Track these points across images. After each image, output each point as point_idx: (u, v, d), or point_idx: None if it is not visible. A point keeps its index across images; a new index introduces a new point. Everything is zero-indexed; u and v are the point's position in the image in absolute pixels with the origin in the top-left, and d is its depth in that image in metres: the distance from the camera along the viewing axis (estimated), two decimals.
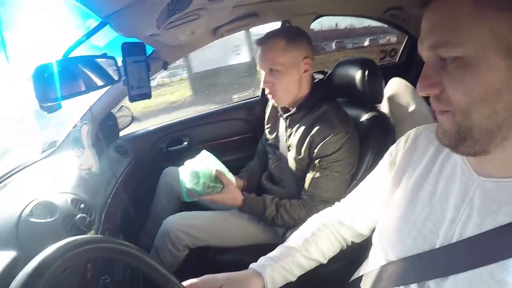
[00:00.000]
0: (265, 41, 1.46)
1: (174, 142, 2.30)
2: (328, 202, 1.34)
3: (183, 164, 1.51)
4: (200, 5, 0.93)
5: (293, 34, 1.46)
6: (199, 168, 1.44)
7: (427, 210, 0.71)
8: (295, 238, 1.01)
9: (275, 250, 1.00)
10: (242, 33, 3.79)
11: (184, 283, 0.83)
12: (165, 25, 0.99)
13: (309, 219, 1.08)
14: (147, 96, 1.28)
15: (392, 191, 0.83)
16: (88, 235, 0.71)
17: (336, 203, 1.09)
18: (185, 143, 2.30)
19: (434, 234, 0.68)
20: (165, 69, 1.78)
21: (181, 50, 1.70)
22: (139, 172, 2.04)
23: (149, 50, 1.55)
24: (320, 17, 2.24)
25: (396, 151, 0.88)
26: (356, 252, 1.04)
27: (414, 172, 0.79)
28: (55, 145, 1.74)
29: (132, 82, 1.19)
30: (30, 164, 1.50)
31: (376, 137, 1.47)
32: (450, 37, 0.55)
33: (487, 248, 0.59)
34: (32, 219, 0.98)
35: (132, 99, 1.23)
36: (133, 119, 2.16)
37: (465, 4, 0.53)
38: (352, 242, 1.04)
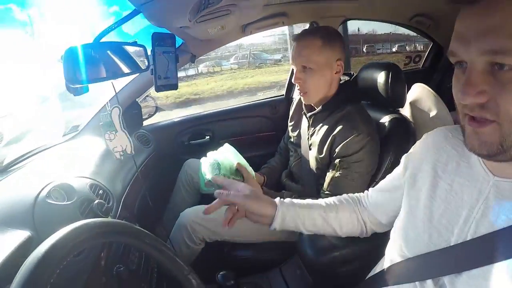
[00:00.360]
0: (302, 38, 1.48)
1: (196, 136, 2.32)
2: None
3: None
4: (232, 1, 0.94)
5: (330, 35, 1.47)
6: (220, 159, 1.44)
7: (443, 208, 0.72)
8: (322, 201, 1.05)
9: (299, 199, 1.04)
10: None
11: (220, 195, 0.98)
12: (196, 18, 0.99)
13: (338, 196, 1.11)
14: (174, 87, 1.28)
15: (410, 189, 0.84)
16: (102, 219, 0.70)
17: (361, 193, 1.10)
18: (207, 137, 2.32)
19: (449, 231, 0.69)
20: (193, 62, 1.79)
21: (210, 44, 1.71)
22: (159, 163, 2.06)
23: (178, 42, 1.55)
24: (347, 20, 2.25)
25: (414, 151, 0.89)
26: (372, 251, 1.03)
27: (431, 171, 0.79)
28: (77, 129, 1.76)
29: (159, 72, 1.20)
30: (51, 147, 1.53)
31: (397, 140, 1.46)
32: None
33: (500, 245, 0.59)
34: (49, 201, 0.97)
35: (158, 89, 1.24)
36: (157, 109, 2.18)
37: None
38: (371, 232, 1.06)
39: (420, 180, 0.81)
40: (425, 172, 0.80)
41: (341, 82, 1.56)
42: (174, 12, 0.98)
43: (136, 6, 0.97)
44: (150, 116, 2.21)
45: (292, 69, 2.28)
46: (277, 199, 1.00)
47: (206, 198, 1.81)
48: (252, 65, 17.84)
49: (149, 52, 1.22)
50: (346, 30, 4.64)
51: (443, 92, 1.78)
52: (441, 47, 2.77)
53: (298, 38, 1.49)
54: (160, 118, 2.41)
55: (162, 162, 2.11)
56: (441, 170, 0.77)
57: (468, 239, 0.65)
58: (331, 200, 1.06)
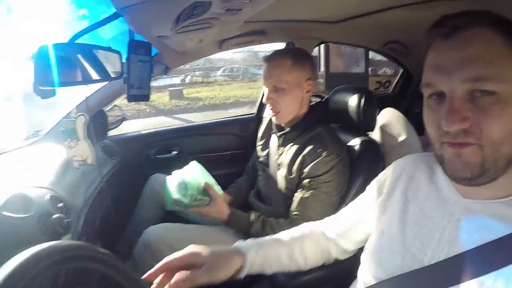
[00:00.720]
0: (273, 58, 1.50)
1: (163, 150, 2.25)
2: None
3: (170, 173, 1.48)
4: (216, 14, 0.93)
5: (299, 55, 1.51)
6: (188, 179, 1.41)
7: (415, 231, 0.74)
8: (284, 235, 1.01)
9: (263, 238, 0.99)
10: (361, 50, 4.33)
11: (168, 258, 0.82)
12: (177, 29, 0.97)
13: (300, 225, 1.08)
14: (146, 98, 1.25)
15: (380, 214, 0.85)
16: (59, 243, 0.65)
17: (325, 218, 1.09)
18: (175, 152, 2.25)
19: (423, 253, 0.71)
20: (165, 74, 1.76)
21: (184, 57, 1.69)
22: (124, 176, 1.98)
23: (153, 52, 1.52)
24: (323, 43, 2.27)
25: (384, 177, 0.90)
26: (345, 274, 1.02)
27: (401, 196, 0.81)
28: (38, 134, 1.67)
29: (133, 81, 1.16)
30: (10, 151, 1.44)
31: (366, 163, 1.48)
32: (492, 71, 0.57)
33: (472, 264, 0.63)
34: (5, 213, 0.90)
35: (130, 99, 1.20)
36: (123, 119, 2.10)
37: (496, 41, 0.59)
38: (336, 260, 1.04)
39: (391, 205, 0.83)
40: (396, 198, 0.82)
41: (312, 103, 1.58)
42: (158, 19, 0.94)
43: (118, 8, 0.92)
44: (116, 126, 2.12)
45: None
46: (238, 243, 0.94)
47: (170, 215, 1.76)
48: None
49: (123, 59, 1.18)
50: (328, 53, 4.78)
51: (411, 118, 1.83)
52: (411, 74, 2.88)
53: (269, 59, 1.52)
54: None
55: (127, 175, 2.03)
56: (411, 196, 0.80)
57: (441, 259, 0.67)
58: (295, 233, 1.02)
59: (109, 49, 1.18)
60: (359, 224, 0.94)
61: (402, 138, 1.69)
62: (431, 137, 0.66)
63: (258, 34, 1.83)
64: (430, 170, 0.80)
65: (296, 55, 1.51)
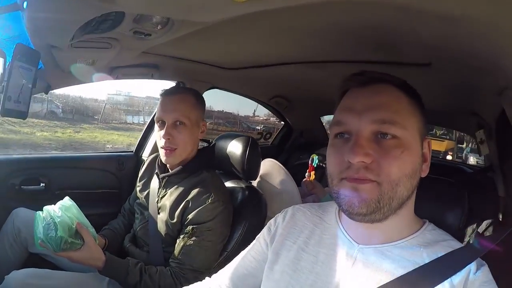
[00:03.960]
0: (177, 93, 1.49)
1: (30, 181, 1.90)
2: (197, 271, 1.31)
3: (38, 208, 1.28)
4: (120, 35, 0.89)
5: (199, 95, 1.55)
6: (58, 218, 1.23)
7: (312, 278, 0.76)
8: None
9: None
10: None
11: None
12: (75, 42, 0.89)
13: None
14: (23, 115, 1.06)
15: (273, 263, 0.85)
16: None
17: (210, 277, 1.03)
18: (43, 184, 1.92)
19: None
20: (46, 93, 1.55)
21: (70, 78, 1.52)
22: None
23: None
24: (213, 88, 2.32)
25: (275, 226, 0.92)
26: None
27: (293, 245, 0.84)
28: None
29: (11, 92, 0.99)
30: None
31: (249, 211, 1.50)
32: (397, 118, 0.67)
33: None
34: None
35: (4, 112, 1.00)
36: None
37: (402, 98, 0.71)
38: None
39: (283, 254, 0.84)
40: (288, 247, 0.84)
41: (199, 148, 1.57)
42: (62, 23, 0.83)
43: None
44: None
45: (148, 126, 2.22)
46: None
47: (34, 258, 1.50)
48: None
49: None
50: None
51: (289, 169, 1.96)
52: (291, 128, 3.10)
53: (173, 92, 1.49)
54: None
55: None
56: (304, 244, 0.82)
57: None
58: None
59: None
60: (251, 275, 0.93)
61: (282, 187, 1.81)
62: (331, 174, 0.72)
63: (152, 68, 1.77)
64: (320, 219, 0.86)
65: (197, 94, 1.53)
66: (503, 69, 1.00)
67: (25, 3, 0.79)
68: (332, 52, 1.40)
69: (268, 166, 1.95)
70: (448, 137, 9.71)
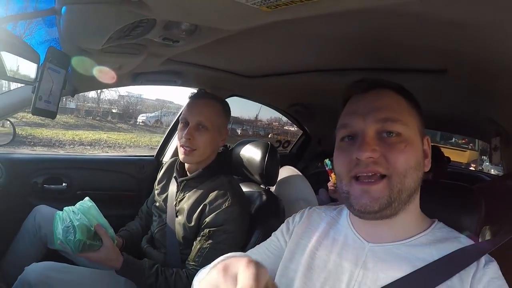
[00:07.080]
0: (205, 97, 1.55)
1: (52, 180, 1.98)
2: None
3: (59, 207, 1.32)
4: (148, 41, 0.92)
5: (225, 104, 1.59)
6: (76, 222, 1.26)
7: (324, 276, 0.79)
8: None
9: None
10: None
11: None
12: (106, 46, 0.93)
13: None
14: (52, 115, 1.11)
15: (288, 261, 0.87)
16: None
17: None
18: (65, 184, 2.00)
19: None
20: (73, 96, 1.62)
21: (94, 83, 1.58)
22: (4, 202, 1.70)
23: None
24: (234, 96, 2.35)
25: (293, 224, 0.95)
26: None
27: (308, 244, 0.86)
28: None
29: (42, 92, 1.03)
30: None
31: (267, 217, 1.51)
32: (398, 116, 0.74)
33: None
34: None
35: (35, 111, 1.05)
36: (15, 136, 1.81)
37: (401, 100, 0.78)
38: None
39: (298, 253, 0.86)
40: (302, 247, 0.86)
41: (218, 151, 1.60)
42: (95, 27, 0.86)
43: (58, 4, 0.84)
44: (6, 143, 1.81)
45: (169, 131, 2.27)
46: None
47: (52, 255, 1.54)
48: None
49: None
50: None
51: (307, 178, 1.96)
52: (310, 137, 3.11)
53: (200, 96, 1.55)
54: None
55: (8, 202, 1.75)
56: (317, 244, 0.85)
57: None
58: None
59: (28, 46, 1.02)
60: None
61: (300, 194, 1.79)
62: (340, 174, 0.77)
63: (175, 74, 1.82)
64: (334, 220, 0.89)
65: (224, 103, 1.58)
66: None
67: (63, 8, 0.82)
68: (351, 60, 1.41)
69: (286, 173, 1.94)
70: (470, 147, 9.25)
